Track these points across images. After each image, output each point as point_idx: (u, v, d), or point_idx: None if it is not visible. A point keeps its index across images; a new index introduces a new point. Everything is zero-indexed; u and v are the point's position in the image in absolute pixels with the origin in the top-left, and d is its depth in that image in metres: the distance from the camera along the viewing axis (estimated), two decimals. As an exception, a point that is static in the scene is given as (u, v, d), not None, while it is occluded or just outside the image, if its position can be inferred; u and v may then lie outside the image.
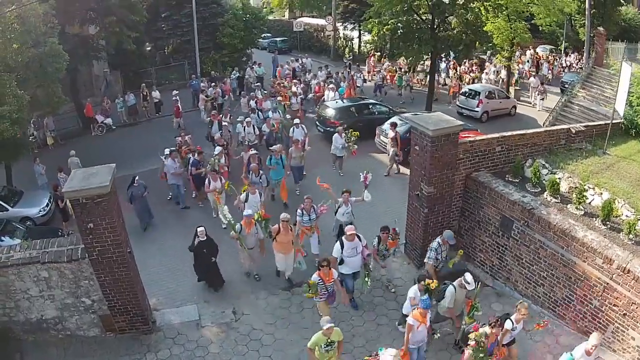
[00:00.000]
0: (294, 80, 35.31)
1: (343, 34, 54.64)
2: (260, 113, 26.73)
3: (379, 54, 46.53)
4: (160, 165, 20.57)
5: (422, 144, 14.25)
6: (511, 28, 32.72)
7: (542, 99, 34.39)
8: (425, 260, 13.71)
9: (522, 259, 13.98)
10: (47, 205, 21.15)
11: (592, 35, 36.16)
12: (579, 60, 46.56)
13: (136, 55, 36.39)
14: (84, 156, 25.68)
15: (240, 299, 14.91)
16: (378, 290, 15.01)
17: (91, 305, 12.81)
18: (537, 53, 46.46)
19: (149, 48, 45.03)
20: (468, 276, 11.87)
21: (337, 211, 15.93)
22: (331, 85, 31.37)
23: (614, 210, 13.01)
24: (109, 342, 13.28)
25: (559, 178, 14.50)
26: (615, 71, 29.57)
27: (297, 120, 23.12)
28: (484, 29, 31.44)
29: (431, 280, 12.13)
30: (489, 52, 41.91)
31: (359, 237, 13.49)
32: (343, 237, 13.42)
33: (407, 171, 22.65)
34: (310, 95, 33.80)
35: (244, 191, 16.71)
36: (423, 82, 38.92)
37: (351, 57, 47.96)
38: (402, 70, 38.44)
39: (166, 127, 30.70)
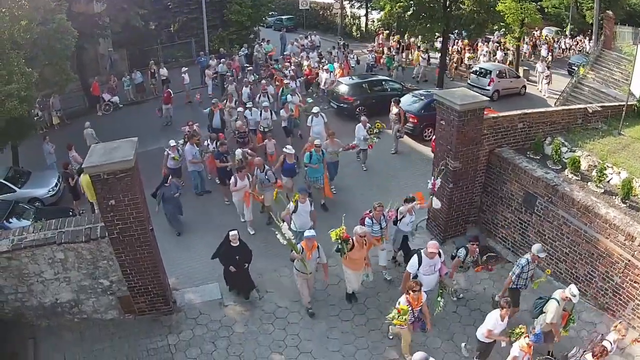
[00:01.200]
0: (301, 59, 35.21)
1: (350, 11, 53.99)
2: (269, 97, 25.56)
3: (387, 31, 46.12)
4: (163, 158, 19.00)
5: (449, 119, 14.01)
6: (521, 8, 32.44)
7: (548, 83, 33.80)
8: (510, 275, 12.21)
9: (545, 235, 13.88)
10: (56, 185, 20.93)
11: (600, 18, 35.88)
12: (583, 43, 46.74)
13: (142, 33, 35.99)
14: None
15: (263, 276, 14.62)
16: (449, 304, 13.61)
17: (109, 287, 12.46)
18: (534, 35, 46.09)
19: (153, 26, 44.67)
20: (574, 288, 10.78)
21: (399, 221, 14.13)
22: (326, 67, 30.63)
23: (633, 189, 13.01)
24: (128, 324, 12.94)
25: (578, 155, 14.47)
26: (627, 54, 29.50)
27: (316, 108, 21.43)
28: (496, 8, 31.07)
29: (509, 307, 10.72)
30: (496, 32, 41.49)
31: (439, 253, 12.14)
32: (422, 253, 11.91)
33: (417, 146, 23.34)
34: (300, 79, 31.27)
35: (295, 201, 14.32)
36: (411, 62, 37.86)
37: (341, 40, 46.23)
38: (393, 50, 37.98)
39: (176, 105, 30.00)
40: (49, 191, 20.64)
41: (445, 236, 15.46)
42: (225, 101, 24.84)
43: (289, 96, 24.27)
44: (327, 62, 32.71)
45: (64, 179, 19.64)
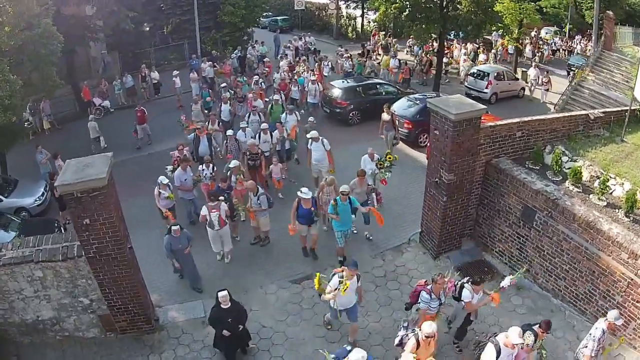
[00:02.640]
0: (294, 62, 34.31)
1: (346, 12, 53.57)
2: (260, 115, 22.38)
3: (383, 33, 45.69)
4: (155, 194, 16.38)
5: (443, 129, 13.39)
6: (520, 8, 32.09)
7: (547, 90, 32.00)
8: (583, 351, 10.58)
9: (544, 251, 13.38)
10: (43, 194, 20.39)
11: (599, 18, 35.36)
12: (578, 43, 46.66)
13: (134, 35, 35.49)
14: (82, 141, 25.61)
15: (248, 293, 14.08)
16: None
17: (90, 305, 12.10)
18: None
19: (147, 28, 44.18)
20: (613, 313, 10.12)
21: (457, 295, 11.72)
22: (312, 78, 27.83)
23: (637, 202, 12.46)
24: (110, 342, 12.59)
25: (579, 165, 13.92)
26: (630, 55, 29.01)
27: (314, 133, 18.41)
28: (494, 9, 30.51)
29: None
30: (494, 33, 40.95)
31: None
32: (500, 342, 9.83)
33: (413, 152, 22.69)
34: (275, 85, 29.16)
35: (338, 276, 11.43)
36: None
37: (312, 45, 45.19)
38: (365, 56, 37.25)
39: (166, 108, 30.11)
40: (36, 200, 20.10)
41: (439, 251, 14.89)
42: (207, 123, 21.96)
43: (283, 115, 21.75)
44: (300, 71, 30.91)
45: (50, 189, 19.09)
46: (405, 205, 16.72)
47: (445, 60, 35.32)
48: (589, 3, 45.53)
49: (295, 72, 30.92)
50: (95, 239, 10.80)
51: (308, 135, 18.57)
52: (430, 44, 37.51)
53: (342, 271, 11.22)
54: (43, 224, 17.83)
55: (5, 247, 11.68)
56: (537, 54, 42.31)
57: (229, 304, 11.47)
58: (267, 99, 25.49)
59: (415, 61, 37.49)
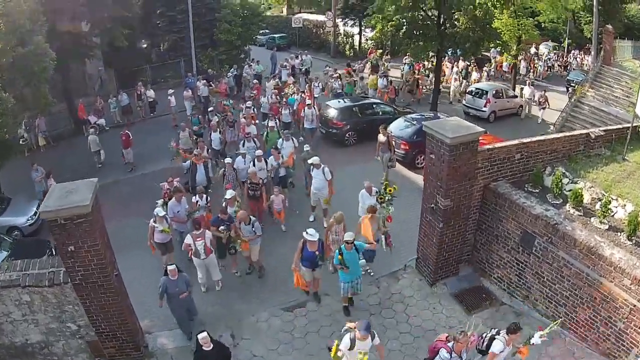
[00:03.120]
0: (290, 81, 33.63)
1: (343, 30, 53.62)
2: (255, 141, 21.03)
3: (380, 50, 45.53)
4: (150, 226, 15.25)
5: (439, 153, 13.09)
6: (518, 24, 31.98)
7: (544, 109, 31.08)
8: None
9: (544, 277, 13.03)
10: (36, 213, 19.99)
11: (598, 32, 35.16)
12: (573, 57, 46.55)
13: (131, 52, 35.30)
14: (76, 158, 25.87)
15: (240, 320, 13.74)
16: None
17: (77, 331, 11.84)
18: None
19: (144, 45, 44.07)
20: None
21: (485, 347, 10.71)
22: (308, 102, 25.71)
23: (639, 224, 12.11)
24: (98, 368, 12.26)
25: (580, 188, 13.57)
26: (630, 70, 28.77)
27: (316, 159, 17.59)
28: (492, 26, 30.38)
29: None
30: (492, 50, 40.76)
31: None
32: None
33: (409, 174, 22.36)
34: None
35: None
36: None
37: (303, 66, 44.65)
38: (352, 76, 36.34)
39: (162, 127, 29.93)
40: (28, 220, 19.85)
41: (436, 277, 14.51)
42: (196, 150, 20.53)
43: (279, 141, 20.59)
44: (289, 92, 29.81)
45: (43, 208, 18.75)
46: (401, 230, 16.22)
47: (433, 79, 34.78)
48: (587, 17, 45.53)
49: (283, 94, 30.07)
50: (80, 266, 10.57)
51: (310, 161, 17.84)
52: (422, 63, 37.41)
53: (354, 328, 10.35)
54: (35, 245, 17.64)
55: None
56: (532, 71, 42.07)
57: (211, 346, 10.87)
58: (255, 123, 24.38)
59: (403, 80, 36.68)
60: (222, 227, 14.51)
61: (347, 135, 25.57)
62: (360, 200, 15.91)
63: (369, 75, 35.13)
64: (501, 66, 41.15)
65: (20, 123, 26.21)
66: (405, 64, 37.54)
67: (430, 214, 13.97)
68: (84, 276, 10.70)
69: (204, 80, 32.78)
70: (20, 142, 27.25)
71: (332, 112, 26.29)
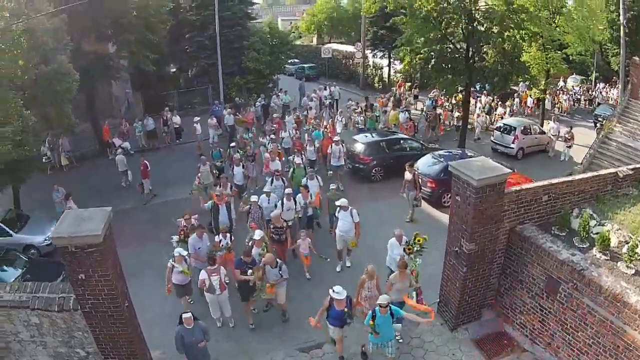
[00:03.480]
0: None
1: (372, 61, 53.44)
2: (283, 180, 20.20)
3: (409, 83, 45.29)
4: (168, 267, 14.47)
5: (465, 195, 12.67)
6: (547, 58, 31.80)
7: (569, 147, 30.03)
8: None
9: (567, 324, 12.49)
10: (54, 233, 19.91)
11: (626, 65, 34.28)
12: (598, 90, 45.67)
13: (158, 77, 35.39)
14: (99, 180, 26.06)
15: (254, 359, 13.35)
16: None
17: (86, 357, 11.56)
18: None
19: (174, 70, 44.27)
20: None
21: None
22: (336, 139, 24.79)
23: (668, 270, 11.69)
24: (107, 396, 11.96)
25: (607, 230, 13.08)
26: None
27: (344, 201, 16.91)
28: (521, 59, 30.01)
29: None
30: (521, 84, 40.25)
31: None
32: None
33: (435, 213, 21.79)
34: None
35: None
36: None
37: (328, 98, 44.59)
38: (374, 111, 35.14)
39: (186, 154, 29.76)
40: (46, 239, 19.51)
41: (457, 322, 14.00)
42: (218, 186, 19.73)
43: (303, 180, 19.80)
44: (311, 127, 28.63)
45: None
46: (424, 272, 15.64)
47: (457, 114, 34.15)
48: (615, 49, 44.74)
49: (305, 129, 29.33)
50: (90, 294, 10.31)
51: (337, 203, 16.97)
52: (446, 98, 36.96)
53: None
54: (50, 266, 17.59)
55: (4, 288, 11.41)
56: (556, 105, 41.32)
57: None
58: (281, 159, 23.63)
59: (423, 116, 35.95)
60: (250, 271, 13.80)
61: (373, 170, 25.12)
62: (389, 249, 15.05)
63: (391, 110, 34.61)
64: (526, 102, 40.51)
65: (44, 141, 26.62)
66: (429, 98, 37.16)
67: (453, 257, 13.52)
68: (94, 305, 10.45)
69: (230, 109, 32.61)
70: (44, 160, 27.48)
71: (358, 147, 25.83)
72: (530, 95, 39.59)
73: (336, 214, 17.09)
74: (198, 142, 30.62)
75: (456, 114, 34.25)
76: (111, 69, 29.84)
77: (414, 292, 14.00)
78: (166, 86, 39.51)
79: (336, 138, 24.63)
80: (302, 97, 39.64)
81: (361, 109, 34.40)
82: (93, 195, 23.13)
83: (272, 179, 19.93)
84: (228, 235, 16.04)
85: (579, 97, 45.09)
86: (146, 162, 24.20)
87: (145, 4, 29.36)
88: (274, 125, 29.28)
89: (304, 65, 58.16)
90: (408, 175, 20.46)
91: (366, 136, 27.29)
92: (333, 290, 12.13)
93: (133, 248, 18.02)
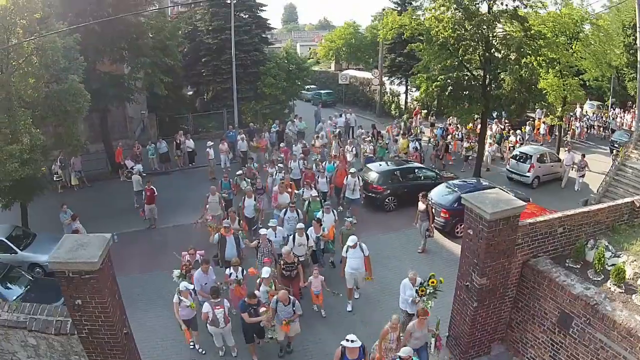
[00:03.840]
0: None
1: (390, 88, 53.28)
2: (298, 212, 19.17)
3: (425, 111, 45.06)
4: (174, 302, 13.94)
5: (477, 229, 12.31)
6: (564, 84, 31.48)
7: (582, 176, 29.28)
8: None
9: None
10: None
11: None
12: (607, 115, 45.46)
13: (173, 99, 35.37)
14: (109, 201, 26.06)
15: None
16: None
17: (82, 380, 11.43)
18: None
19: (190, 93, 44.27)
20: None
21: None
22: (352, 171, 23.51)
23: (683, 303, 11.33)
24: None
25: (623, 262, 12.79)
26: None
27: (353, 238, 15.97)
28: (538, 86, 29.83)
29: None
30: (538, 111, 40.07)
31: None
32: None
33: (448, 244, 21.37)
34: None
35: None
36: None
37: (397, 114, 44.53)
38: (384, 138, 33.95)
39: (198, 179, 29.67)
40: (51, 259, 19.43)
41: (466, 357, 13.57)
42: (226, 219, 18.54)
43: (318, 214, 18.90)
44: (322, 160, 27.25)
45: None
46: (435, 304, 15.13)
47: (466, 144, 33.56)
48: (631, 74, 44.72)
49: (313, 158, 27.78)
50: (87, 320, 10.14)
51: (348, 242, 15.98)
52: (456, 128, 36.63)
53: None
54: (53, 286, 17.11)
55: (2, 307, 11.36)
56: (569, 132, 40.71)
57: None
58: (292, 191, 22.36)
59: (431, 144, 35.39)
60: (262, 309, 13.24)
61: (387, 200, 24.83)
62: (401, 291, 14.50)
63: (401, 138, 33.40)
64: (539, 129, 39.98)
65: (56, 160, 26.96)
66: (439, 127, 36.62)
67: (464, 291, 13.13)
68: (91, 331, 10.28)
69: (242, 135, 32.28)
70: (55, 178, 27.70)
71: (372, 176, 25.53)
72: (544, 122, 39.29)
73: (343, 253, 16.29)
74: (210, 166, 30.45)
75: (465, 144, 33.73)
76: (125, 90, 29.75)
77: (433, 339, 13.35)
78: (182, 109, 39.52)
79: (352, 170, 23.50)
80: (318, 123, 39.15)
81: (371, 138, 33.07)
82: (102, 217, 23.06)
83: (286, 211, 19.04)
84: (240, 268, 15.22)
85: (592, 123, 44.60)
86: (153, 187, 23.47)
87: (161, 27, 29.52)
88: (281, 155, 28.33)
89: (320, 91, 58.30)
90: (421, 206, 20.07)
91: (380, 165, 26.96)
92: (346, 340, 11.26)
93: (143, 273, 18.20)
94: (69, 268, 9.54)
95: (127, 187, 27.39)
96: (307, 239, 16.95)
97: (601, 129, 43.90)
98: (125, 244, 20.82)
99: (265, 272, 14.36)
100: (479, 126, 33.48)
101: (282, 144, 31.29)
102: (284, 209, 19.26)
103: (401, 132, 35.14)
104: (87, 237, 10.35)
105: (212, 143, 30.81)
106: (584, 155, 29.80)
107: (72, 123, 21.00)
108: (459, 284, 13.44)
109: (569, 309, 12.16)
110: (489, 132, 35.62)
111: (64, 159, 27.81)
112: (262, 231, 16.97)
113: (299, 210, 19.15)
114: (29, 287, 16.79)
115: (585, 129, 43.04)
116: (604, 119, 45.51)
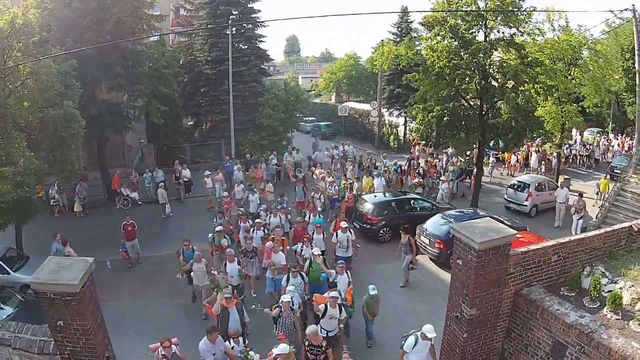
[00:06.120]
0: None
1: (388, 120, 53.50)
2: (302, 275, 16.45)
3: (423, 142, 45.13)
4: None
5: (466, 259, 12.05)
6: (562, 111, 31.60)
7: (581, 218, 25.70)
8: None
9: (572, 389, 11.93)
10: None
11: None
12: (607, 142, 45.18)
13: (172, 129, 35.44)
14: (103, 228, 25.85)
15: None
16: None
17: (64, 401, 11.39)
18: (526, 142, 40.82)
19: (190, 123, 44.39)
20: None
21: None
22: (344, 225, 20.20)
23: (681, 329, 11.11)
24: None
25: (620, 288, 12.60)
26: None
27: (429, 329, 12.87)
28: (535, 114, 29.76)
29: None
30: (538, 138, 39.86)
31: None
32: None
33: (442, 274, 21.10)
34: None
35: None
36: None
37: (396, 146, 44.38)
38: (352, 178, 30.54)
39: (195, 209, 29.79)
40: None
41: (456, 389, 13.32)
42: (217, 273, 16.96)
43: (324, 275, 16.58)
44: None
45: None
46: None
47: (415, 180, 32.61)
48: (630, 98, 44.62)
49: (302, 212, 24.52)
50: (69, 342, 10.06)
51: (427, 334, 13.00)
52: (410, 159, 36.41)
53: None
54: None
55: None
56: (544, 163, 38.88)
57: None
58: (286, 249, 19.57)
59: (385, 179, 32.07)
60: None
61: (381, 231, 24.56)
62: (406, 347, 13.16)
63: (365, 177, 30.77)
64: (509, 162, 39.24)
65: (53, 184, 27.37)
66: (394, 164, 35.25)
67: (454, 323, 12.88)
68: (72, 352, 10.18)
69: (237, 166, 32.07)
70: (51, 202, 28.14)
71: (367, 207, 25.41)
72: (538, 150, 39.35)
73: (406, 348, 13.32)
74: (209, 195, 30.45)
75: (415, 180, 32.70)
76: (123, 118, 29.92)
77: None
78: (180, 139, 39.67)
79: (344, 224, 20.16)
80: (315, 152, 39.20)
81: (332, 179, 29.63)
82: (96, 243, 23.00)
83: (289, 276, 16.10)
84: (240, 340, 13.35)
85: (575, 152, 42.99)
86: (133, 222, 22.24)
87: (159, 56, 29.71)
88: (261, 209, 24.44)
89: (320, 123, 58.47)
90: (403, 239, 19.76)
91: (375, 196, 26.78)
92: None
93: (137, 300, 18.12)
94: (50, 289, 9.50)
95: (121, 214, 27.04)
96: (340, 310, 14.31)
97: (584, 157, 42.20)
98: (119, 270, 21.10)
99: (281, 349, 12.15)
100: (444, 158, 34.47)
101: (268, 186, 29.16)
102: (287, 274, 16.29)
103: (359, 169, 34.17)
104: (69, 260, 10.33)
105: (210, 172, 30.86)
106: (581, 195, 26.55)
107: (67, 149, 21.04)
108: (449, 315, 13.18)
109: (563, 338, 11.91)
110: (448, 167, 35.06)
111: (61, 184, 27.93)
112: (285, 298, 14.36)
113: (303, 274, 16.45)
114: (19, 307, 16.87)
115: (569, 157, 41.93)
116: (586, 146, 44.01)
